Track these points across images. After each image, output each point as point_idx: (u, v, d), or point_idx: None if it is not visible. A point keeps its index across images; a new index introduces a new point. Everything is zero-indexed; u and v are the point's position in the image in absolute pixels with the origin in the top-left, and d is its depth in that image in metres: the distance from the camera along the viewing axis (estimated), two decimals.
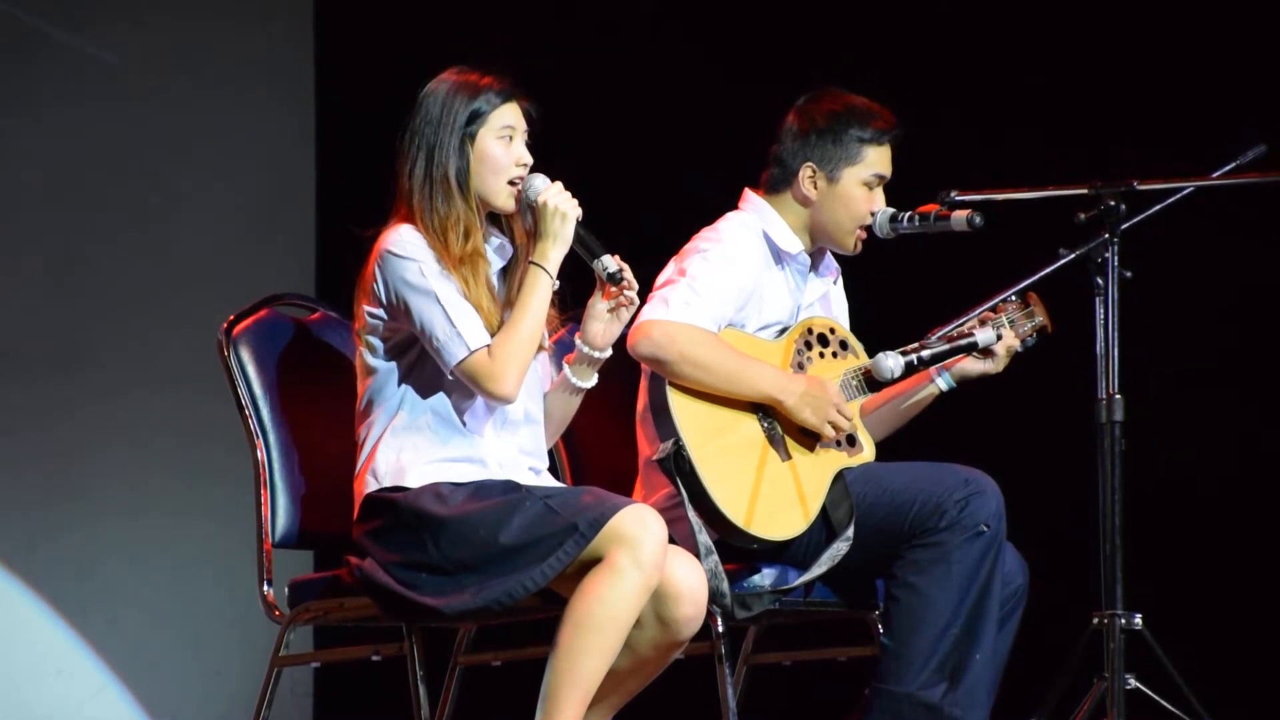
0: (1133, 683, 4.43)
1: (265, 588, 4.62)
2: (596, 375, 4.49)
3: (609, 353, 4.46)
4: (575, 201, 4.35)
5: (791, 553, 4.67)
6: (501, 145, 4.38)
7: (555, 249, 4.34)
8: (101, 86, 6.79)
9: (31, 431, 6.63)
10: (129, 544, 6.73)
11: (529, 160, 4.39)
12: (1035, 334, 4.96)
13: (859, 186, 4.82)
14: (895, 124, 4.85)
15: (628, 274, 4.38)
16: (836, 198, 4.83)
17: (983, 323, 4.87)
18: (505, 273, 4.45)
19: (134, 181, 6.83)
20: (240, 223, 6.99)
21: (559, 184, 4.36)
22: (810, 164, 4.83)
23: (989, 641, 4.58)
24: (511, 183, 4.38)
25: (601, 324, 4.43)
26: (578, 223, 4.35)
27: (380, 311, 4.34)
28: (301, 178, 7.13)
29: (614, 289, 4.39)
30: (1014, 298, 4.90)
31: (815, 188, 4.83)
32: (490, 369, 4.26)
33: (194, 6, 6.99)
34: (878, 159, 4.83)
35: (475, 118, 4.37)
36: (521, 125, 4.41)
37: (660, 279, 4.75)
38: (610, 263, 4.37)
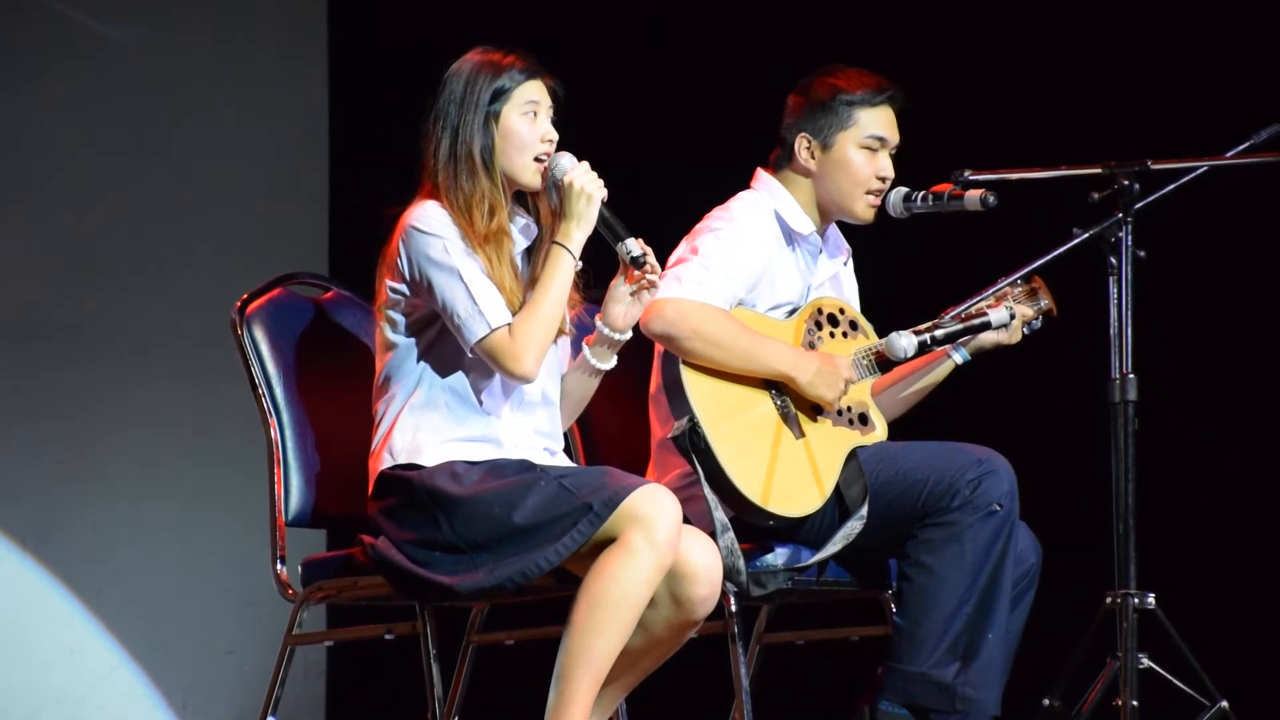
0: (1146, 662, 4.43)
1: (278, 566, 4.62)
2: (615, 357, 4.49)
3: (629, 335, 4.45)
4: (601, 182, 4.34)
5: (804, 532, 4.67)
6: (526, 121, 4.37)
7: (579, 229, 4.34)
8: (112, 67, 6.79)
9: (46, 413, 6.63)
10: (143, 524, 6.74)
11: (554, 136, 4.39)
12: (1040, 317, 4.96)
13: (856, 150, 4.82)
14: (887, 86, 4.84)
15: (651, 258, 4.37)
16: (833, 164, 4.84)
17: (994, 303, 4.87)
18: (530, 253, 4.45)
19: (145, 162, 6.82)
20: (253, 202, 6.98)
21: (585, 164, 4.36)
22: (804, 134, 4.84)
23: (1001, 621, 4.59)
24: (538, 159, 4.38)
25: (623, 306, 4.43)
26: (602, 204, 4.34)
27: (403, 287, 4.34)
28: (315, 156, 7.12)
29: (636, 272, 4.38)
30: (1019, 282, 4.90)
31: (812, 158, 4.84)
32: (510, 348, 4.26)
33: None
34: (871, 121, 4.83)
35: (499, 95, 4.36)
36: (546, 101, 4.40)
37: (673, 257, 4.76)
38: (634, 246, 4.36)
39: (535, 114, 4.38)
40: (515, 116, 4.37)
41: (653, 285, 4.40)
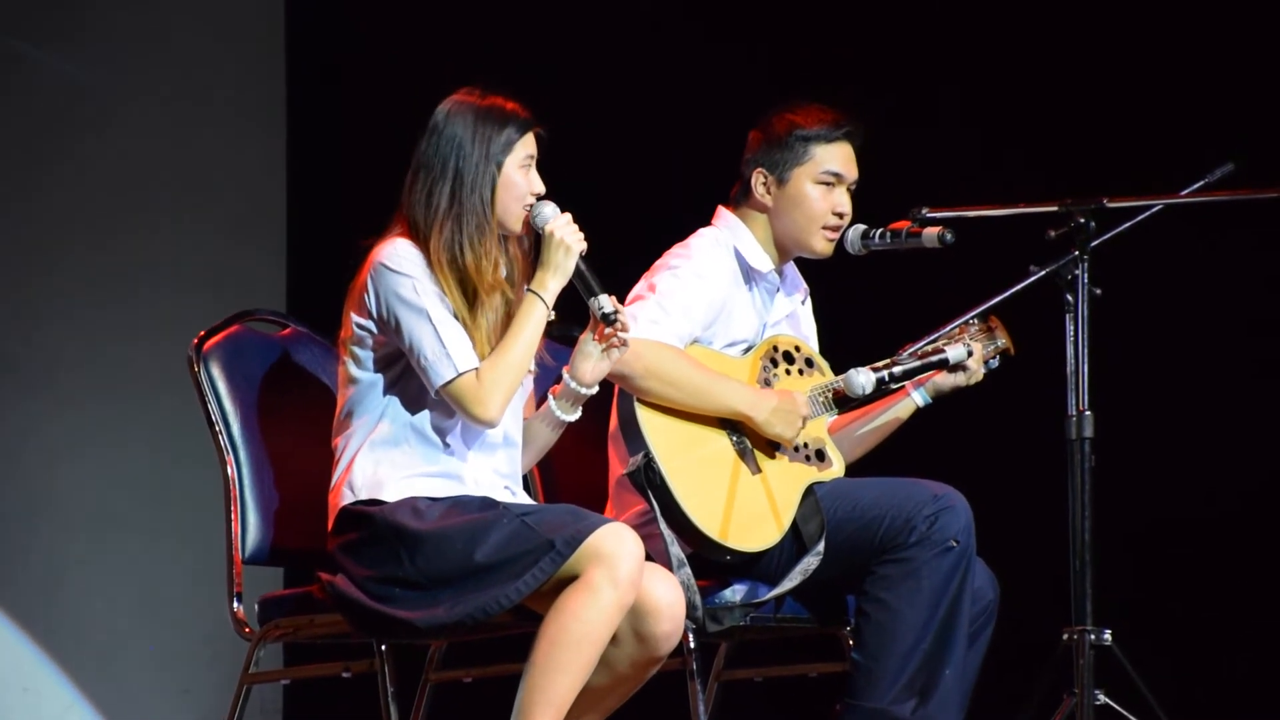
0: (1102, 698, 4.45)
1: (235, 604, 4.61)
2: (580, 409, 4.49)
3: (595, 389, 4.45)
4: (581, 235, 4.35)
5: (761, 568, 4.67)
6: (523, 174, 4.38)
7: (554, 280, 4.34)
8: (70, 100, 6.77)
9: None
10: (97, 560, 6.71)
11: (542, 189, 4.39)
12: (998, 356, 4.98)
13: (812, 185, 4.83)
14: (844, 122, 4.84)
15: (623, 316, 4.37)
16: (789, 199, 4.84)
17: (952, 340, 4.88)
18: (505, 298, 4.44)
19: (103, 195, 6.81)
20: (211, 238, 6.97)
21: (568, 216, 4.36)
22: (761, 170, 4.85)
23: (959, 657, 4.59)
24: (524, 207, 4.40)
25: (591, 362, 4.41)
26: (580, 257, 4.35)
27: (369, 323, 4.33)
28: (273, 192, 7.12)
29: (607, 330, 4.38)
30: (976, 320, 4.92)
31: (769, 193, 4.85)
32: (477, 393, 4.26)
33: (165, 22, 6.98)
34: (827, 156, 4.83)
35: (505, 145, 4.36)
36: (535, 154, 4.41)
37: (630, 295, 4.76)
38: (606, 303, 4.35)
39: (530, 167, 4.39)
40: (514, 169, 4.37)
41: (623, 344, 4.39)
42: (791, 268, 4.99)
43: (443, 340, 4.25)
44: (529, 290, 4.34)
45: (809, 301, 5.04)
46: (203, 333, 4.69)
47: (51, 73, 6.75)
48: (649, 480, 4.55)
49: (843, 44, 6.52)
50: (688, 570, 4.49)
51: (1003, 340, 4.98)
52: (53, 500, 6.68)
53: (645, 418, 4.62)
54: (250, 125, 7.11)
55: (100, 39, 6.86)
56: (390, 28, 6.99)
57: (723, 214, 4.91)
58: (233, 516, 4.62)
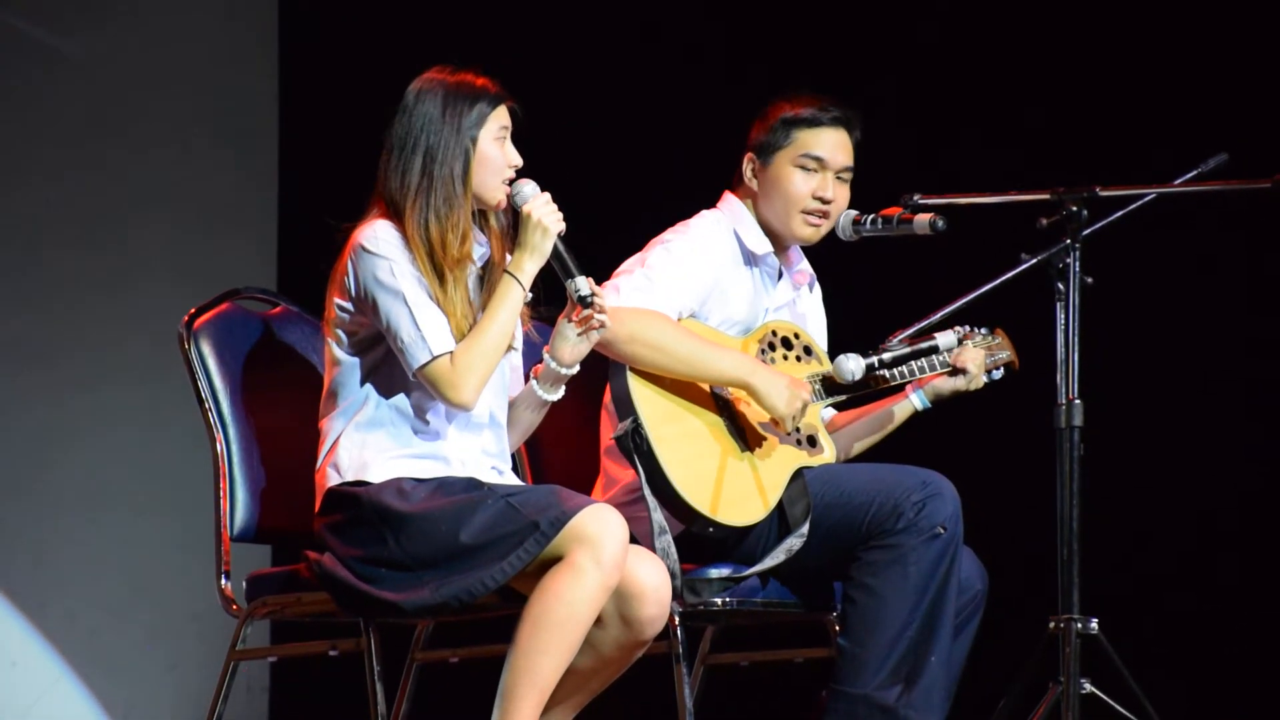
0: (1088, 687, 4.45)
1: (223, 581, 4.62)
2: (563, 388, 4.48)
3: (576, 369, 4.44)
4: (559, 215, 4.34)
5: (745, 550, 4.66)
6: (497, 146, 4.37)
7: (531, 261, 4.33)
8: (60, 78, 6.76)
9: None
10: (87, 537, 6.71)
11: (520, 162, 4.39)
12: (1001, 368, 4.98)
13: (792, 168, 4.83)
14: (831, 108, 4.84)
15: (600, 299, 4.36)
16: (770, 182, 4.85)
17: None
18: (480, 278, 4.44)
19: (93, 174, 6.80)
20: (202, 216, 6.97)
21: (547, 195, 4.36)
22: (750, 153, 4.87)
23: (945, 644, 4.58)
24: (504, 181, 4.38)
25: (569, 344, 4.41)
26: (558, 238, 4.34)
27: (349, 305, 4.34)
28: (264, 170, 7.11)
29: (585, 312, 4.37)
30: (983, 329, 4.93)
31: (755, 176, 4.86)
32: (451, 376, 4.26)
33: (156, 2, 6.97)
34: (810, 140, 4.83)
35: (477, 119, 4.35)
36: (510, 126, 4.41)
37: (620, 268, 4.75)
38: (583, 285, 4.34)
39: (505, 140, 4.38)
40: (489, 141, 4.36)
41: (600, 325, 4.38)
42: (798, 254, 4.98)
43: (418, 323, 4.25)
44: (505, 272, 4.34)
45: (818, 289, 5.04)
46: (193, 310, 4.69)
47: (43, 52, 6.74)
48: (636, 446, 4.54)
49: (843, 37, 6.52)
50: (669, 538, 4.48)
51: (1008, 353, 4.98)
52: (42, 476, 6.68)
53: (636, 387, 4.62)
54: (243, 103, 7.11)
55: (90, 16, 6.85)
56: (385, 8, 6.99)
57: (726, 198, 4.92)
58: (221, 493, 4.62)
